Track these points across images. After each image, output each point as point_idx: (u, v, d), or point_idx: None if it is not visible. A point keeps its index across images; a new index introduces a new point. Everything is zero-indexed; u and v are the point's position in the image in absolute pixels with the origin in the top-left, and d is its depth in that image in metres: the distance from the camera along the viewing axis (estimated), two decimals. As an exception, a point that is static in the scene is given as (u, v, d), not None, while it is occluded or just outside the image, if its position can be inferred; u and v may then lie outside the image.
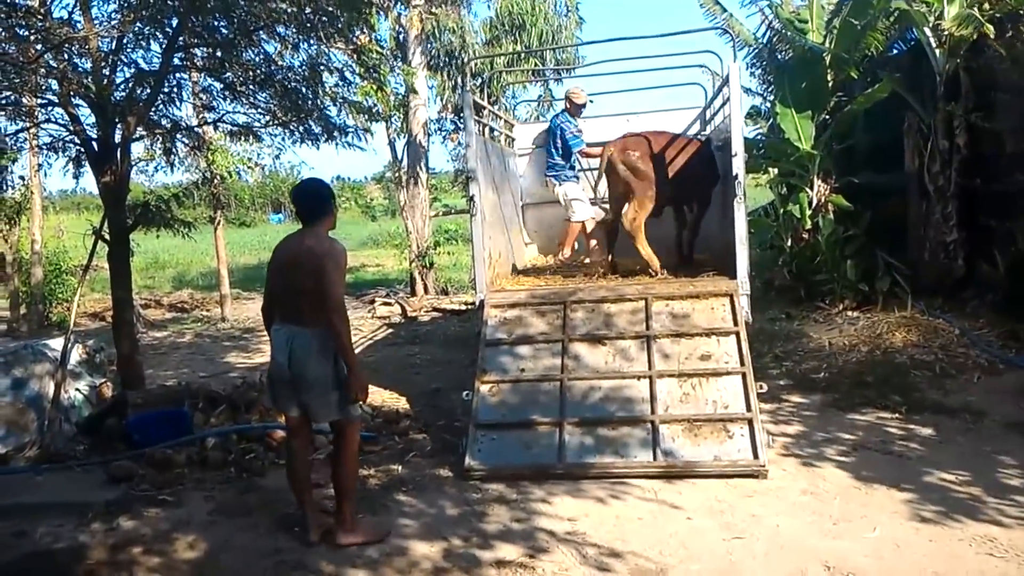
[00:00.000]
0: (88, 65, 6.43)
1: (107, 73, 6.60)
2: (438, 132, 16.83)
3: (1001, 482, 4.58)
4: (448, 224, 20.54)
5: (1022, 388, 6.21)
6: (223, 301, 13.10)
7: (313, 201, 4.22)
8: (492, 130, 8.40)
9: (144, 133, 7.34)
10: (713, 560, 3.85)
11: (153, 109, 6.92)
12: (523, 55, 15.00)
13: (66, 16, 6.38)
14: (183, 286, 17.38)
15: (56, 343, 6.52)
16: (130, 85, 6.72)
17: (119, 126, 6.53)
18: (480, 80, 13.66)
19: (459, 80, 14.82)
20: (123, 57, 6.70)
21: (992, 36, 7.95)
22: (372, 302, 13.47)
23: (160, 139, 7.66)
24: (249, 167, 11.64)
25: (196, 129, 8.12)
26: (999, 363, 6.82)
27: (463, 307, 11.66)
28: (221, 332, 11.75)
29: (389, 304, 12.93)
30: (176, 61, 6.83)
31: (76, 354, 6.61)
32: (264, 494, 4.95)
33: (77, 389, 6.38)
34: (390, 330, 11.23)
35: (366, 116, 8.12)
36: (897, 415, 5.85)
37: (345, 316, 3.95)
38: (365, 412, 6.53)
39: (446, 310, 12.17)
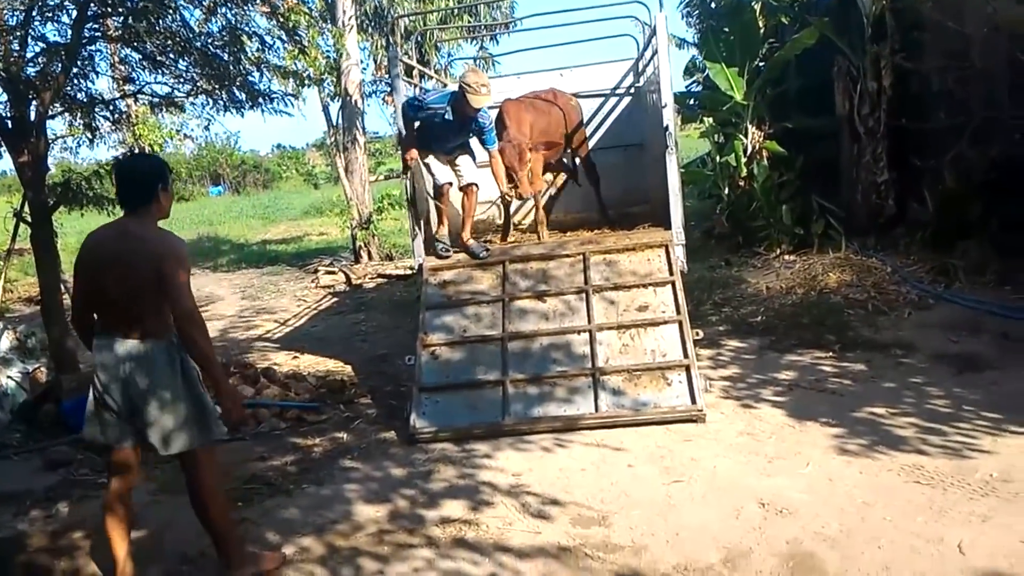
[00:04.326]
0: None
1: (16, 48, 6.31)
2: (375, 95, 16.58)
3: (929, 412, 4.74)
4: (392, 189, 20.26)
5: (951, 321, 6.42)
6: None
7: (136, 183, 3.39)
8: (425, 91, 8.27)
9: (61, 109, 7.06)
10: (653, 505, 3.94)
11: (69, 83, 6.65)
12: (455, 11, 14.75)
13: (-34, -10, 6.08)
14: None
15: (-16, 330, 6.32)
16: (42, 60, 6.44)
17: (34, 103, 6.26)
18: (414, 40, 13.42)
19: (389, 39, 14.54)
20: (32, 31, 6.41)
21: (915, -25, 8.06)
22: (316, 271, 13.30)
23: (80, 114, 7.37)
24: (178, 139, 11.29)
25: (117, 102, 7.82)
26: (929, 298, 7.03)
27: (408, 272, 11.56)
28: (161, 310, 11.50)
29: (333, 273, 12.78)
30: (88, 32, 6.55)
31: (6, 340, 6.42)
32: (207, 470, 4.89)
33: (9, 376, 6.20)
34: (335, 299, 11.11)
35: (295, 81, 7.92)
36: (831, 354, 6.01)
37: (201, 324, 3.27)
38: (309, 383, 6.49)
39: (391, 276, 12.06)
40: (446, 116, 6.22)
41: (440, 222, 6.61)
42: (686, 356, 5.18)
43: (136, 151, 10.90)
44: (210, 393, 3.47)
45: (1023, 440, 4.21)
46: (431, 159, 6.54)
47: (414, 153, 6.32)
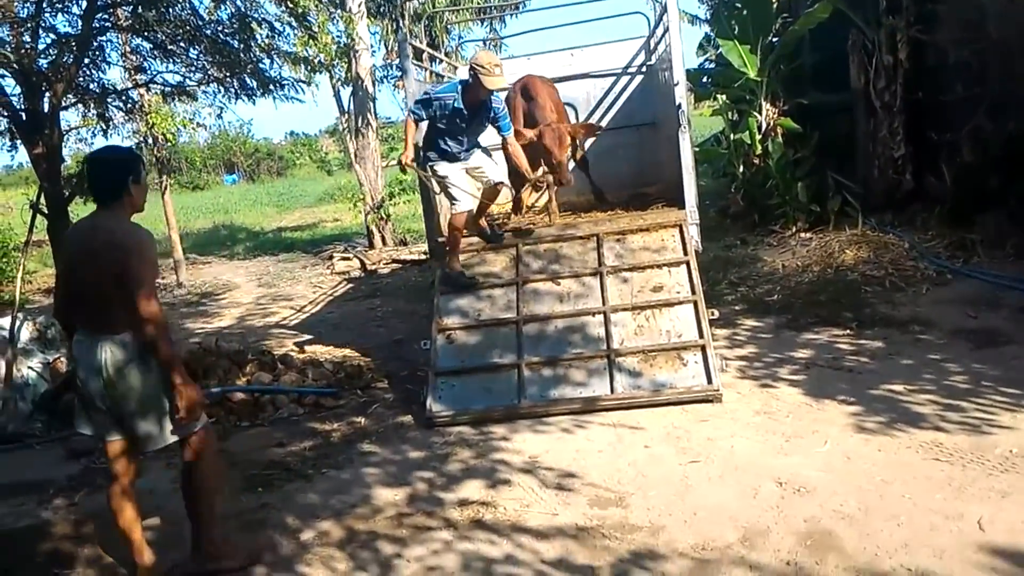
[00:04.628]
0: (6, 33, 6.19)
1: (28, 40, 6.35)
2: (387, 80, 16.53)
3: (947, 389, 4.71)
4: (404, 174, 20.24)
5: (969, 297, 6.35)
6: (177, 267, 12.90)
7: (106, 176, 3.31)
8: (437, 75, 8.25)
9: (74, 100, 7.11)
10: (670, 485, 3.94)
11: (81, 74, 6.69)
12: (464, -8, 14.66)
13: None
14: (138, 255, 17.03)
15: (4, 321, 6.38)
16: (53, 51, 6.48)
17: (47, 95, 6.31)
18: (424, 23, 13.36)
19: (399, 23, 14.49)
20: (43, 22, 6.45)
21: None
22: (330, 258, 13.34)
23: (93, 105, 7.42)
24: (192, 128, 11.33)
25: (129, 92, 7.87)
26: (947, 273, 6.96)
27: (423, 257, 11.58)
28: (178, 299, 11.59)
29: (348, 259, 12.82)
30: (99, 23, 6.58)
31: (27, 331, 6.48)
32: (226, 457, 4.90)
33: (30, 367, 6.27)
34: (350, 285, 11.15)
35: (305, 67, 7.92)
36: (848, 331, 5.97)
37: (161, 321, 3.18)
38: (326, 369, 6.52)
39: (406, 261, 12.09)
40: (456, 104, 5.76)
41: (455, 251, 6.05)
42: (702, 336, 5.16)
43: (148, 140, 10.97)
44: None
45: (1043, 415, 4.17)
46: (446, 169, 5.94)
47: (410, 155, 5.86)
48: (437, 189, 6.12)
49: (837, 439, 4.22)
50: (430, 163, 6.01)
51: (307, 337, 8.07)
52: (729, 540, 3.39)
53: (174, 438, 3.33)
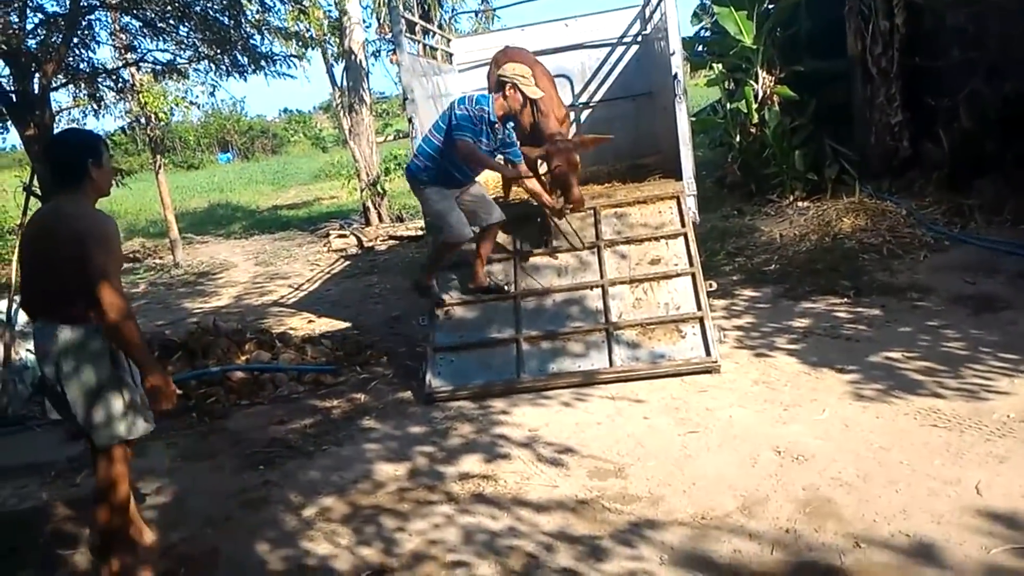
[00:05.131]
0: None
1: (15, 20, 6.27)
2: (380, 54, 16.36)
3: (945, 355, 4.71)
4: (400, 149, 20.17)
5: (967, 263, 6.35)
6: (173, 247, 12.88)
7: (65, 158, 3.16)
8: (431, 48, 8.17)
9: (65, 80, 7.04)
10: (669, 455, 3.96)
11: (70, 54, 6.61)
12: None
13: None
14: (133, 235, 16.99)
15: (1, 304, 6.37)
16: (42, 31, 6.40)
17: (36, 75, 6.24)
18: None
19: (392, -4, 14.31)
20: (30, 2, 6.37)
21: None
22: (327, 235, 13.31)
23: (83, 85, 7.35)
24: (185, 106, 11.23)
25: (120, 71, 7.79)
26: (945, 240, 6.95)
27: (419, 232, 11.55)
28: (175, 279, 11.58)
29: (344, 236, 12.79)
30: (87, 1, 6.50)
31: (23, 314, 6.46)
32: (227, 436, 4.97)
33: (28, 349, 6.26)
34: (347, 262, 11.14)
35: (297, 42, 7.84)
36: (846, 299, 5.97)
37: (125, 309, 3.00)
38: (324, 347, 6.52)
39: (402, 237, 12.07)
40: (492, 118, 5.11)
41: (435, 266, 5.70)
42: (700, 308, 5.16)
43: (140, 120, 10.89)
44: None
45: (1041, 380, 4.18)
46: (442, 198, 5.35)
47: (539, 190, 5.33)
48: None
49: (835, 407, 4.24)
50: (424, 186, 5.40)
51: (305, 315, 8.07)
52: (728, 509, 3.41)
53: (123, 436, 3.16)
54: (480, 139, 5.16)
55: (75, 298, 3.03)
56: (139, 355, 3.10)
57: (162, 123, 11.85)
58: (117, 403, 3.13)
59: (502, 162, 5.55)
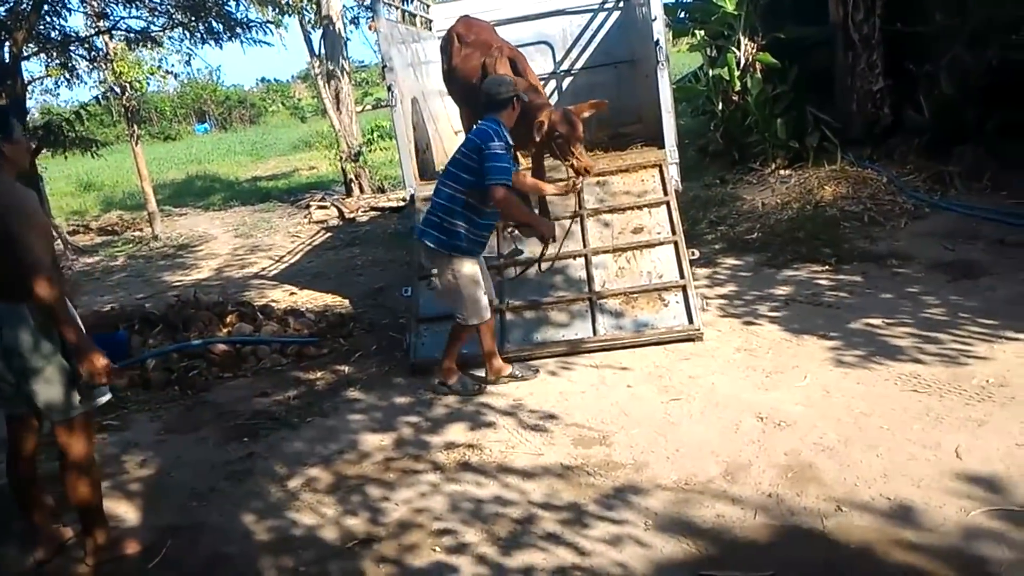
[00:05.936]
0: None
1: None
2: (358, 21, 16.12)
3: (925, 321, 4.77)
4: (382, 119, 19.95)
5: (947, 230, 6.40)
6: (152, 219, 12.71)
7: None
8: (410, 14, 8.04)
9: (36, 49, 6.89)
10: (652, 422, 3.99)
11: (41, 22, 6.47)
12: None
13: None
14: (111, 208, 16.74)
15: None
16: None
17: (6, 44, 6.10)
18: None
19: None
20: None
21: None
22: (308, 207, 13.18)
23: (55, 54, 7.20)
24: (161, 76, 11.02)
25: (93, 39, 7.63)
26: (925, 207, 6.99)
27: (401, 203, 11.46)
28: (154, 251, 11.44)
29: (325, 207, 12.66)
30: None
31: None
32: (211, 408, 4.95)
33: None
34: (328, 234, 11.05)
35: (273, 8, 7.70)
36: (827, 267, 6.01)
37: (53, 284, 2.96)
38: (308, 318, 6.49)
39: (384, 208, 11.97)
40: (508, 139, 4.43)
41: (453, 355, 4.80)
42: (682, 276, 5.17)
43: (115, 90, 10.68)
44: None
45: (1019, 345, 4.24)
46: (475, 272, 4.55)
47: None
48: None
49: (816, 373, 4.28)
50: (461, 255, 4.49)
51: (287, 287, 8.02)
52: (711, 474, 3.45)
53: (81, 408, 3.16)
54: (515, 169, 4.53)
55: (9, 274, 2.98)
56: (67, 330, 3.04)
57: (137, 93, 11.62)
58: (66, 377, 3.11)
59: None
